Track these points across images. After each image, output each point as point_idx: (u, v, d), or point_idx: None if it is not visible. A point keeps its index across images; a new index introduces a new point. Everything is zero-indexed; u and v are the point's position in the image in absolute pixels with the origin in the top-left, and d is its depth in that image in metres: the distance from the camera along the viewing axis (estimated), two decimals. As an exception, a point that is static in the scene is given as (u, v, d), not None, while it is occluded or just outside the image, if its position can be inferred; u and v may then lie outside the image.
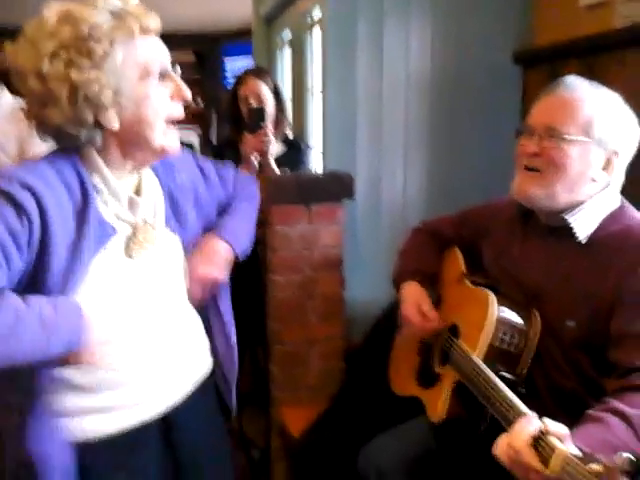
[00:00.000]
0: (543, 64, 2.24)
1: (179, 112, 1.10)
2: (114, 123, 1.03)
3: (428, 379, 1.44)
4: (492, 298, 1.30)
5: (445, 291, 1.53)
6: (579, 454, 0.86)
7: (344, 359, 2.08)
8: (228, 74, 6.75)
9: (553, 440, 0.90)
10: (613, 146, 1.24)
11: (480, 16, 2.26)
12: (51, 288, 1.00)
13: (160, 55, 1.06)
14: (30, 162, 1.06)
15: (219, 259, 1.25)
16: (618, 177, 1.28)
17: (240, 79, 2.37)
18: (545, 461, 0.90)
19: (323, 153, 2.39)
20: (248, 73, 2.37)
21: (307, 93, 3.09)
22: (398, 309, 1.53)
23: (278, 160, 2.23)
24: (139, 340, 1.10)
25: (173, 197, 1.20)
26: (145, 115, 1.04)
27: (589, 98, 1.25)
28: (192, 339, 1.24)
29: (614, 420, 1.02)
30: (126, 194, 1.10)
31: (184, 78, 1.11)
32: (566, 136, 1.23)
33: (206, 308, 1.30)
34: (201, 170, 1.29)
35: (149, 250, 1.12)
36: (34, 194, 0.97)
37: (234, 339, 1.33)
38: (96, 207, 1.05)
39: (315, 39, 2.90)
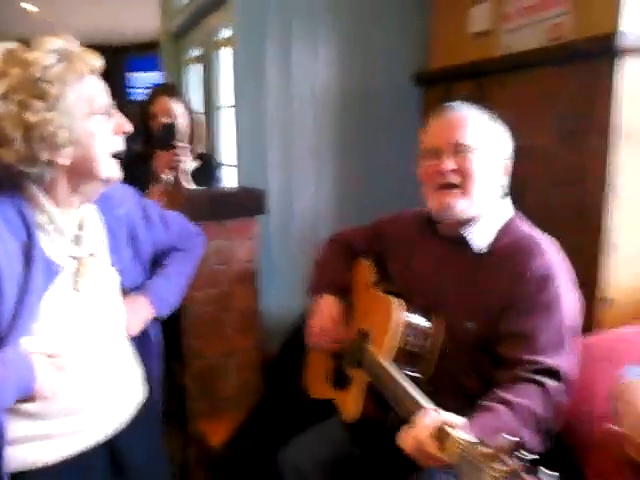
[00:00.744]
0: (440, 84, 2.42)
1: (121, 146, 1.15)
2: (66, 160, 1.05)
3: (341, 382, 1.53)
4: (396, 304, 1.39)
5: (356, 298, 1.62)
6: (473, 440, 0.96)
7: (261, 369, 2.14)
8: (132, 87, 6.64)
9: (450, 430, 1.01)
10: (505, 153, 1.40)
11: (381, 40, 2.40)
12: (0, 329, 1.01)
13: (103, 92, 1.10)
14: None
15: (138, 318, 1.31)
16: (506, 183, 1.42)
17: (150, 96, 2.37)
18: (444, 449, 1.00)
19: (237, 169, 2.44)
20: (159, 90, 2.38)
21: (217, 109, 3.13)
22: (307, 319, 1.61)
23: (192, 176, 2.26)
24: (85, 368, 1.13)
25: (113, 231, 1.24)
26: (94, 151, 1.09)
27: (472, 113, 1.40)
28: (128, 366, 1.29)
29: (503, 408, 1.15)
30: (71, 230, 1.13)
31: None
32: (473, 147, 1.35)
33: None
34: (143, 210, 1.33)
35: (93, 283, 1.16)
36: None
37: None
38: (41, 247, 1.07)
39: (223, 57, 2.95)
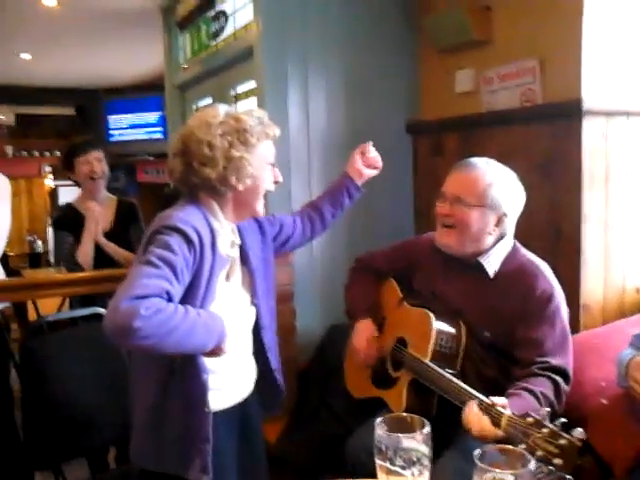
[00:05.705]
0: (430, 134, 2.85)
1: (271, 188, 1.57)
2: (241, 187, 1.46)
3: (385, 382, 1.81)
4: (431, 315, 1.69)
5: (388, 313, 1.93)
6: (517, 415, 1.28)
7: (297, 377, 2.48)
8: (112, 130, 6.82)
9: (500, 409, 1.33)
10: (503, 209, 1.69)
11: (380, 93, 2.83)
12: (194, 302, 1.37)
13: (273, 151, 1.54)
14: (182, 209, 1.43)
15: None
16: (510, 228, 1.75)
17: (79, 149, 2.74)
18: (497, 424, 1.32)
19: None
20: (88, 145, 2.78)
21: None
22: (348, 338, 1.95)
23: None
24: (233, 339, 1.45)
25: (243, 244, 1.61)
26: (259, 188, 1.51)
27: (484, 174, 1.69)
28: (251, 345, 1.65)
29: (528, 395, 1.51)
30: (230, 236, 1.52)
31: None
32: (467, 203, 1.68)
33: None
34: (262, 233, 1.69)
35: (236, 277, 1.55)
36: (197, 232, 1.37)
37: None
38: (218, 244, 1.45)
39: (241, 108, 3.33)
